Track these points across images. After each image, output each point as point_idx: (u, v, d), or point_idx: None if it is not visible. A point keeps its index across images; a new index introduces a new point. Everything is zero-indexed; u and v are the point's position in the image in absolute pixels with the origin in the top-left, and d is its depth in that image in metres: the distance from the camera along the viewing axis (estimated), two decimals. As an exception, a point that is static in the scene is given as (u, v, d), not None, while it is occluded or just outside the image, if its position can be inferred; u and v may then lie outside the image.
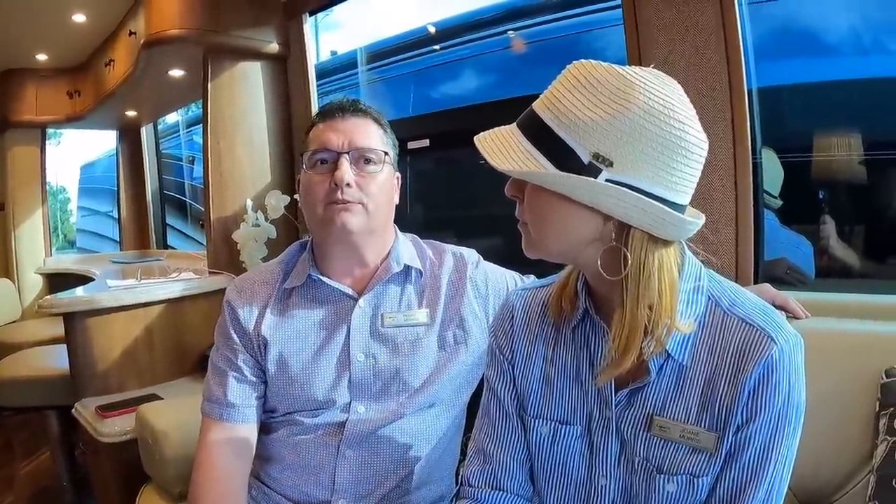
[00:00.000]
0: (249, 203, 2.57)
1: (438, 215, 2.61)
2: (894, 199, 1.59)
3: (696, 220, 0.76)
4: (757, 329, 0.77)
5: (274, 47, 2.72)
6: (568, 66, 0.77)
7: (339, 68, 3.44)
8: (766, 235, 1.54)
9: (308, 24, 2.70)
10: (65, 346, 2.23)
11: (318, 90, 2.74)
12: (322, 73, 2.87)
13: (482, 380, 1.05)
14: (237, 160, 2.69)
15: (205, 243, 2.83)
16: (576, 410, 0.90)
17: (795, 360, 0.77)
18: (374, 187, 1.19)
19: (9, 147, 4.27)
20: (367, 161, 1.20)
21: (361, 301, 1.23)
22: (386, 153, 1.22)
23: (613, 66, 0.74)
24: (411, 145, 2.38)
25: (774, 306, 1.22)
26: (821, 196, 1.66)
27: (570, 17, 2.75)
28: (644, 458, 0.84)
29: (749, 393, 0.76)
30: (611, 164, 0.71)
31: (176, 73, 3.05)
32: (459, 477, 1.24)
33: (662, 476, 0.82)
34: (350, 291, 1.24)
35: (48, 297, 2.19)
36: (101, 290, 2.35)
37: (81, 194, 7.17)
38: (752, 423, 0.77)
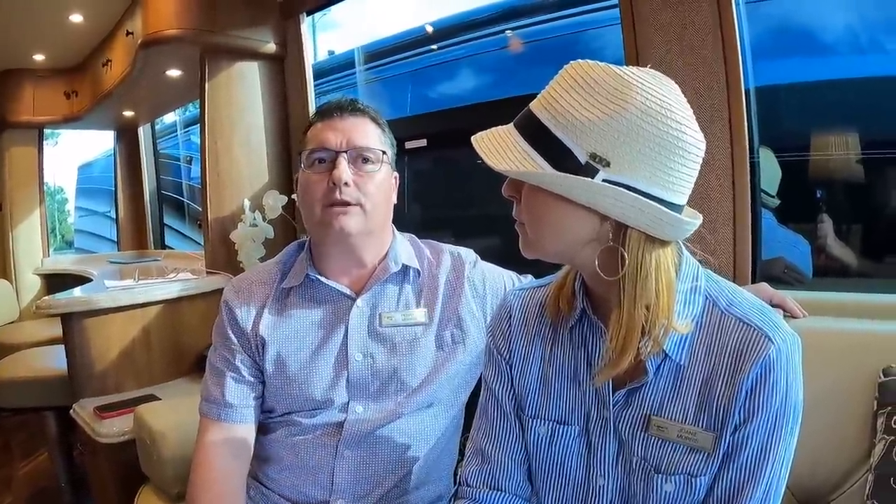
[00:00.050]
0: (247, 203, 2.57)
1: (436, 215, 2.61)
2: (892, 198, 1.59)
3: (693, 220, 0.76)
4: (754, 329, 0.77)
5: (271, 47, 2.72)
6: (565, 67, 0.76)
7: (336, 68, 3.43)
8: (763, 235, 1.54)
9: (305, 23, 2.70)
10: (63, 346, 2.23)
11: (315, 90, 2.74)
12: (319, 72, 2.86)
13: (480, 380, 1.05)
14: (235, 160, 2.69)
15: (202, 243, 2.83)
16: (573, 410, 0.90)
17: (793, 360, 0.77)
18: (371, 186, 1.19)
19: (6, 147, 4.27)
20: (366, 160, 1.20)
21: (359, 301, 1.23)
22: (384, 152, 1.22)
23: (610, 66, 0.74)
24: (409, 145, 2.37)
25: (772, 305, 1.22)
26: (818, 195, 1.66)
27: (567, 16, 2.74)
28: (642, 457, 0.84)
29: (746, 392, 0.77)
30: (608, 165, 0.71)
31: (173, 73, 3.04)
32: (457, 477, 1.24)
33: (660, 476, 0.82)
34: (348, 291, 1.24)
35: (46, 297, 2.19)
36: (98, 290, 2.35)
37: (79, 195, 7.15)
38: (750, 422, 0.77)
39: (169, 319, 2.37)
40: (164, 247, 4.72)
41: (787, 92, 1.73)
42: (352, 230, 1.17)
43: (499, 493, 0.96)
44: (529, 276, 1.38)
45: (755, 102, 1.52)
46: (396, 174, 1.30)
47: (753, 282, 1.43)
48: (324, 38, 3.33)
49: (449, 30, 3.19)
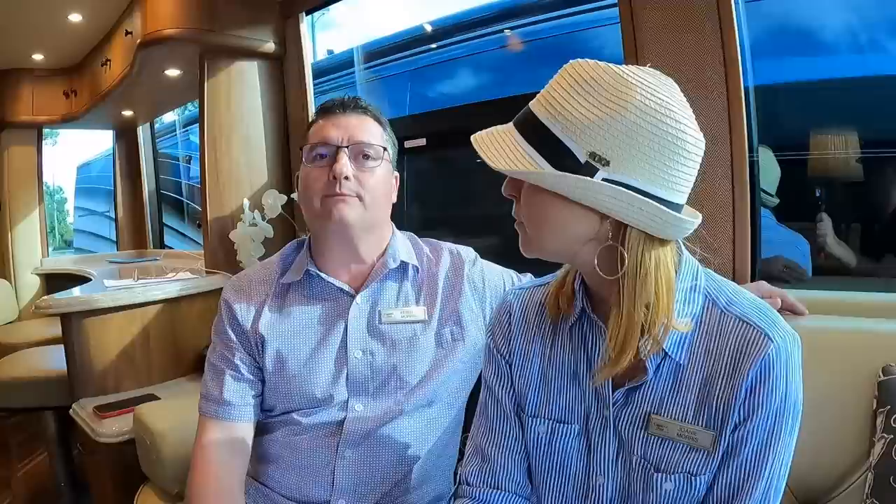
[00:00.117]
0: (246, 202, 2.57)
1: (435, 214, 2.61)
2: (891, 197, 1.59)
3: (692, 219, 0.76)
4: (754, 327, 0.77)
5: (270, 46, 2.71)
6: (565, 66, 0.77)
7: (335, 67, 3.43)
8: (762, 234, 1.54)
9: (304, 23, 2.69)
10: (62, 346, 2.22)
11: (314, 89, 2.74)
12: (319, 72, 2.86)
13: (480, 379, 1.05)
14: (234, 160, 2.68)
15: (202, 243, 2.83)
16: (573, 409, 0.90)
17: (793, 359, 0.77)
18: (371, 181, 1.20)
19: (5, 147, 4.27)
20: (366, 157, 1.21)
21: (359, 298, 1.23)
22: (385, 149, 1.23)
23: (610, 65, 0.74)
24: (408, 144, 2.37)
25: (774, 302, 1.23)
26: (818, 194, 1.66)
27: (566, 15, 2.74)
28: (642, 456, 0.84)
29: (746, 391, 0.77)
30: (607, 164, 0.71)
31: (172, 72, 3.04)
32: (457, 476, 1.24)
33: (660, 475, 0.82)
34: (347, 288, 1.24)
35: (45, 297, 2.19)
36: (98, 290, 2.35)
37: (78, 194, 7.15)
38: (750, 421, 0.77)
39: (168, 319, 2.37)
40: (163, 246, 4.71)
41: (786, 91, 1.73)
42: (350, 219, 1.18)
43: (499, 492, 0.96)
44: (529, 275, 1.38)
45: (755, 101, 1.52)
46: (397, 174, 1.30)
47: (753, 281, 1.43)
48: (323, 38, 3.34)
49: (448, 29, 3.19)
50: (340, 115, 1.23)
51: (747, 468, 0.78)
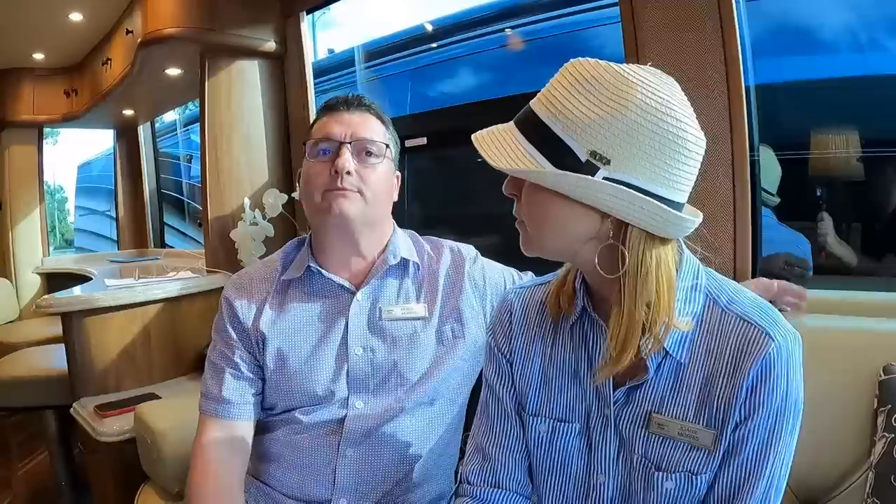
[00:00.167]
0: (247, 202, 2.57)
1: (436, 213, 2.61)
2: (892, 196, 1.59)
3: (693, 218, 0.76)
4: (755, 326, 0.77)
5: (271, 46, 2.71)
6: (565, 65, 0.76)
7: (336, 66, 3.43)
8: (763, 233, 1.54)
9: (305, 22, 2.69)
10: (63, 345, 2.22)
11: (315, 88, 2.74)
12: (319, 71, 2.86)
13: (480, 378, 1.05)
14: (235, 159, 2.68)
15: (202, 242, 2.83)
16: (574, 408, 0.90)
17: (794, 358, 0.77)
18: (373, 177, 1.20)
19: (6, 146, 4.27)
20: (369, 154, 1.21)
21: (359, 294, 1.24)
22: (387, 146, 1.24)
23: (611, 64, 0.74)
24: (409, 143, 2.37)
25: (776, 291, 1.23)
26: (819, 193, 1.66)
27: (567, 14, 2.74)
28: (643, 455, 0.84)
29: (747, 390, 0.77)
30: (608, 162, 0.71)
31: (173, 71, 3.04)
32: (458, 475, 1.25)
33: (661, 473, 0.82)
34: (348, 284, 1.25)
35: (46, 296, 2.19)
36: (98, 289, 2.35)
37: (79, 193, 7.16)
38: (751, 420, 0.77)
39: (169, 318, 2.37)
40: (164, 246, 4.71)
41: (787, 90, 1.73)
42: (350, 214, 1.18)
43: (500, 490, 0.96)
44: (530, 274, 1.38)
45: (755, 100, 1.52)
46: (398, 173, 1.31)
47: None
48: (324, 37, 3.33)
49: (448, 28, 3.19)
50: (344, 111, 1.23)
51: (748, 467, 0.78)
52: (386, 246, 1.28)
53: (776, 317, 0.79)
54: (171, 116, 4.91)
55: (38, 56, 3.90)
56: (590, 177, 0.71)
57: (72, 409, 2.12)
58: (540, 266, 0.95)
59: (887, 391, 1.07)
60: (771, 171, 1.64)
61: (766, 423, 0.77)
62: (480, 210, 2.39)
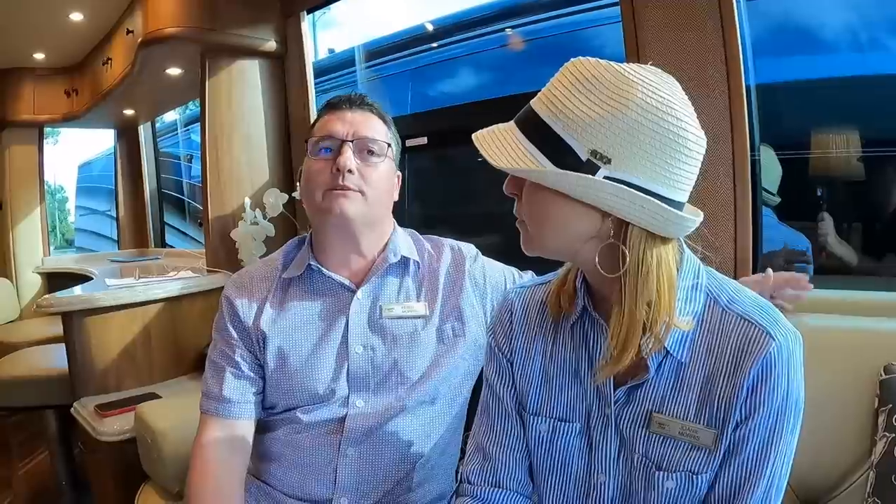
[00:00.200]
0: (248, 201, 2.57)
1: (436, 212, 2.61)
2: (892, 196, 1.59)
3: (694, 217, 0.76)
4: (756, 325, 0.77)
5: (272, 45, 2.72)
6: (566, 64, 0.76)
7: (336, 66, 3.43)
8: (764, 232, 1.54)
9: (306, 21, 2.70)
10: (63, 345, 2.22)
11: (315, 88, 2.74)
12: (320, 71, 2.86)
13: (481, 377, 1.05)
14: (235, 158, 2.68)
15: (203, 242, 2.83)
16: (575, 408, 0.90)
17: (794, 357, 0.77)
18: (374, 176, 1.21)
19: (6, 146, 4.28)
20: (370, 152, 1.22)
21: (359, 293, 1.24)
22: (389, 145, 1.24)
23: (612, 63, 0.74)
24: (409, 143, 2.38)
25: (771, 284, 1.22)
26: (819, 193, 1.66)
27: (567, 14, 2.75)
28: (643, 455, 0.84)
29: (748, 390, 0.76)
30: (609, 162, 0.71)
31: (173, 71, 3.04)
32: (459, 474, 1.25)
33: (662, 473, 0.82)
34: (348, 283, 1.25)
35: (47, 296, 2.19)
36: (99, 289, 2.35)
37: (79, 193, 7.16)
38: (752, 419, 0.77)
39: (170, 318, 2.37)
40: (164, 245, 4.72)
41: (787, 90, 1.73)
42: (351, 214, 1.18)
43: (500, 490, 0.96)
44: (530, 273, 1.38)
45: (756, 100, 1.52)
46: (399, 173, 1.31)
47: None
48: (324, 37, 3.33)
49: (449, 28, 3.19)
50: (346, 110, 1.24)
51: (749, 467, 0.78)
52: (386, 244, 1.28)
53: (777, 316, 0.79)
54: (171, 116, 4.92)
55: (39, 56, 3.90)
56: (590, 176, 0.71)
57: (72, 408, 2.12)
58: (540, 265, 0.95)
59: (888, 391, 1.07)
60: (771, 170, 1.64)
61: (767, 423, 0.77)
62: (481, 209, 2.39)
